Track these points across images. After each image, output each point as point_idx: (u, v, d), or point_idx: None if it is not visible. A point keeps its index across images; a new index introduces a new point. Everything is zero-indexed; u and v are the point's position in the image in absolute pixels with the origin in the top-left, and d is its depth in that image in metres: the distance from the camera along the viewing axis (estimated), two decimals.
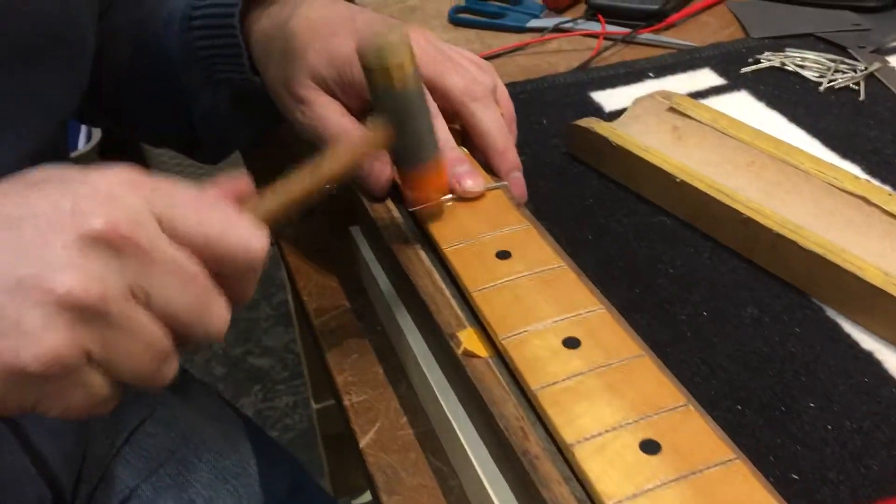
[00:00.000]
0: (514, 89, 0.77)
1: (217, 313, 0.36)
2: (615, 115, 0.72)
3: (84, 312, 0.32)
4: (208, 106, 0.65)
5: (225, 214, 0.36)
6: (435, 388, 0.46)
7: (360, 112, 0.55)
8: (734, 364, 0.50)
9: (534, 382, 0.40)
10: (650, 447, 0.36)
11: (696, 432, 0.37)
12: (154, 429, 0.68)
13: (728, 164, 0.62)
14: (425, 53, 0.55)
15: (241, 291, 0.37)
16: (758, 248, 0.56)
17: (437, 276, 0.48)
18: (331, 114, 0.54)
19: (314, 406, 1.47)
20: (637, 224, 0.61)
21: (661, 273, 0.57)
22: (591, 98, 0.76)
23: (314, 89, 0.55)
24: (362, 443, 0.48)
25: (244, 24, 0.60)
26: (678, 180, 0.60)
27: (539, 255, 0.47)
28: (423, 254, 0.49)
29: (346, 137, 0.46)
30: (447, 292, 0.47)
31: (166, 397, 0.71)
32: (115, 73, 0.67)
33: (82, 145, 1.87)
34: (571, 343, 0.42)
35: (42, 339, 0.31)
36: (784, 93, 0.74)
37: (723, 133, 0.63)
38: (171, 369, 0.35)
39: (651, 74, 0.78)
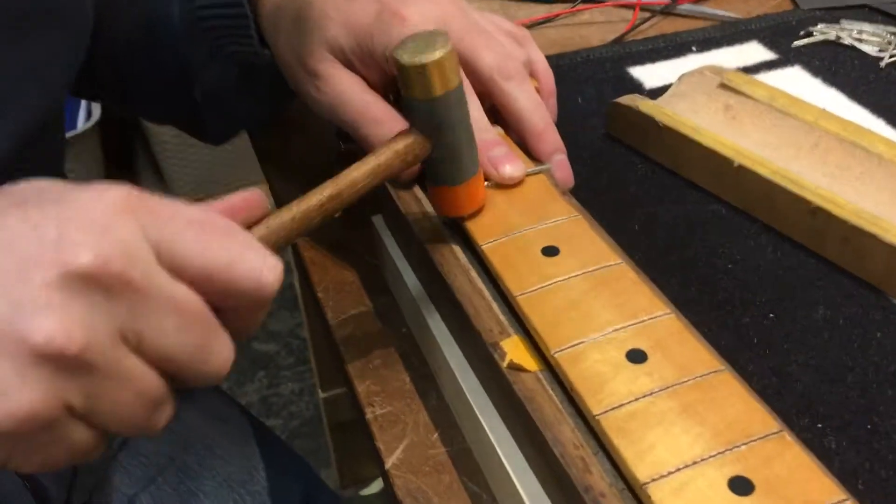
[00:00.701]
0: None
1: (219, 353, 0.32)
2: (657, 92, 0.66)
3: (66, 363, 0.28)
4: (213, 82, 0.59)
5: (233, 241, 0.32)
6: (472, 402, 0.40)
7: (384, 87, 0.49)
8: (809, 374, 0.44)
9: (595, 405, 0.34)
10: (741, 486, 0.31)
11: (794, 466, 0.31)
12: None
13: (789, 147, 0.56)
14: (455, 23, 0.49)
15: (246, 326, 0.33)
16: (828, 241, 0.50)
17: (474, 275, 0.42)
18: (351, 89, 0.48)
19: (321, 395, 1.42)
20: (688, 213, 0.55)
21: (718, 269, 0.51)
22: (629, 74, 0.69)
23: (331, 62, 0.49)
24: (388, 463, 0.43)
25: None
26: (735, 165, 0.54)
27: (592, 250, 0.41)
28: (457, 249, 0.43)
29: (374, 148, 0.40)
30: (487, 294, 0.41)
31: None
32: (113, 46, 0.61)
33: (82, 124, 1.81)
34: (637, 356, 0.36)
35: (15, 396, 0.27)
36: (842, 68, 0.68)
37: (782, 112, 0.57)
38: (166, 416, 0.32)
39: (694, 48, 0.72)
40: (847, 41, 0.71)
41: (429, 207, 0.46)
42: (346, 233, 0.56)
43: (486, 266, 0.42)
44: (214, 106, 0.61)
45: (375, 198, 0.51)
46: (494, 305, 0.40)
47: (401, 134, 0.41)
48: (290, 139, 0.66)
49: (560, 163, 0.49)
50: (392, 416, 0.44)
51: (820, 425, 0.42)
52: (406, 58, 0.39)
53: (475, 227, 0.43)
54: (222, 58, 0.57)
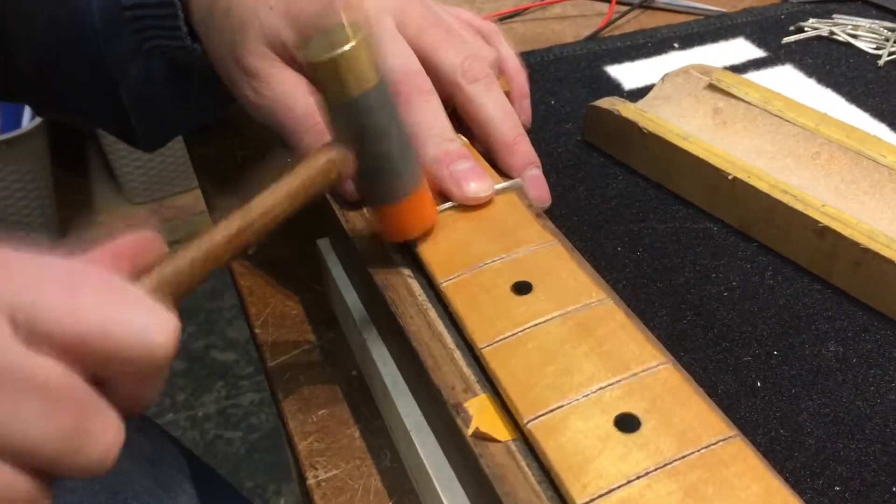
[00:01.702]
0: None
1: (99, 437, 0.26)
2: (637, 93, 0.59)
3: None
4: (139, 82, 0.52)
5: (110, 298, 0.26)
6: (432, 474, 0.34)
7: None
8: (821, 426, 0.38)
9: (579, 492, 0.27)
10: None
11: None
12: (73, 482, 0.55)
13: (787, 157, 0.49)
14: (413, 14, 0.43)
15: (139, 397, 0.28)
16: (837, 265, 0.44)
17: (433, 316, 0.35)
18: (293, 92, 0.42)
19: None
20: (677, 232, 0.49)
21: (713, 297, 0.44)
22: (606, 73, 0.63)
23: (270, 59, 0.42)
24: None
25: None
26: (730, 178, 0.48)
27: (570, 285, 0.35)
28: (413, 284, 0.37)
29: (289, 169, 0.34)
30: (448, 340, 0.34)
31: None
32: (28, 43, 0.54)
33: (26, 122, 1.71)
34: (628, 423, 0.29)
35: None
36: (837, 67, 0.62)
37: (778, 117, 0.51)
38: None
39: (676, 45, 0.66)
40: (841, 37, 0.65)
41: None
42: (289, 252, 0.49)
43: (447, 307, 0.35)
44: (143, 108, 0.54)
45: (320, 216, 0.45)
46: (457, 354, 0.33)
47: (322, 148, 0.34)
48: (228, 145, 0.59)
49: (534, 179, 0.43)
50: (338, 482, 0.38)
51: (838, 488, 0.36)
52: (311, 53, 0.32)
53: (433, 260, 0.37)
54: (148, 54, 0.50)
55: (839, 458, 0.37)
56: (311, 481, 0.38)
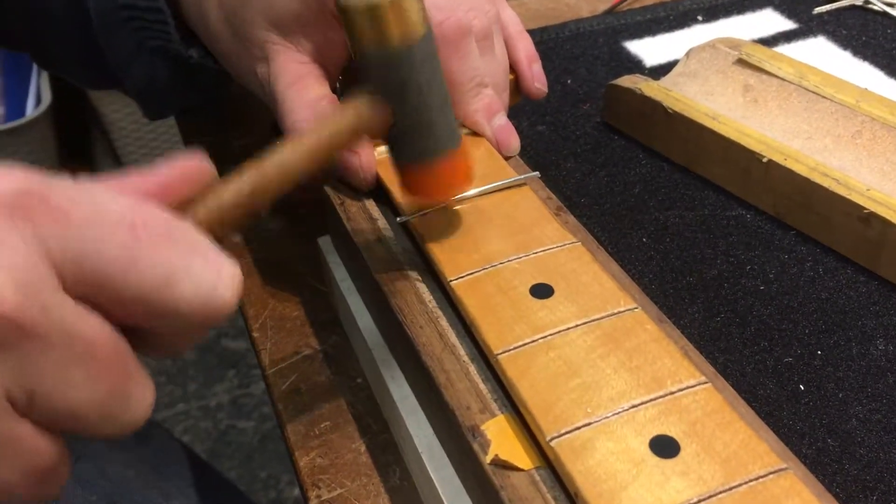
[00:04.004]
0: None
1: (139, 401, 0.24)
2: (659, 70, 0.56)
3: None
4: (143, 79, 0.49)
5: (175, 247, 0.23)
6: (445, 501, 0.30)
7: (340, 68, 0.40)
8: (873, 433, 0.35)
9: None
10: None
11: None
12: (72, 490, 0.53)
13: (826, 137, 0.46)
14: None
15: (176, 349, 0.26)
16: (885, 255, 0.41)
17: (445, 325, 0.32)
18: (297, 82, 0.39)
19: None
20: (707, 220, 0.45)
21: (748, 292, 0.41)
22: (626, 49, 0.59)
23: (273, 42, 0.40)
24: None
25: None
26: (764, 160, 0.44)
27: (595, 290, 0.31)
28: (422, 288, 0.33)
29: (320, 119, 0.30)
30: (462, 352, 0.31)
31: (87, 445, 0.56)
32: (21, 20, 0.51)
33: (31, 110, 1.68)
34: (665, 447, 0.26)
35: None
36: (874, 39, 0.58)
37: (815, 93, 0.47)
38: (59, 483, 0.24)
39: (700, 18, 0.62)
40: (877, 6, 0.61)
41: (386, 230, 0.36)
42: (289, 253, 0.46)
43: (458, 310, 0.32)
44: (148, 101, 0.52)
45: (320, 213, 0.41)
46: (472, 368, 0.30)
47: (350, 100, 0.30)
48: (225, 136, 0.56)
49: (501, 129, 0.40)
50: (343, 502, 0.35)
51: (894, 503, 0.32)
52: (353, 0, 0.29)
53: (442, 257, 0.33)
54: (151, 53, 0.47)
55: (895, 470, 0.33)
56: (313, 501, 0.35)
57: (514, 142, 0.40)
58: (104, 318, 0.23)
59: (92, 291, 0.22)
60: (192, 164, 0.26)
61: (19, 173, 0.22)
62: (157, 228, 0.23)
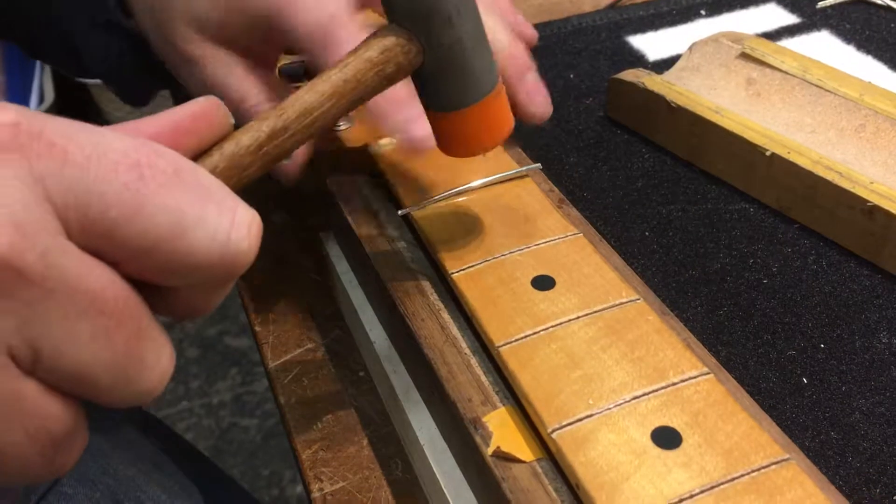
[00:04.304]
0: None
1: (153, 365, 0.22)
2: (662, 65, 0.56)
3: None
4: (100, 53, 0.48)
5: (185, 191, 0.21)
6: (448, 494, 0.30)
7: (271, 63, 0.39)
8: (877, 426, 0.35)
9: None
10: None
11: None
12: (73, 488, 0.52)
13: (829, 130, 0.45)
14: None
15: (197, 307, 0.23)
16: (888, 248, 0.40)
17: (447, 318, 0.32)
18: (226, 75, 0.38)
19: None
20: (710, 214, 0.45)
21: (751, 285, 0.41)
22: (629, 44, 0.59)
23: (200, 42, 0.38)
24: None
25: None
26: (768, 154, 0.44)
27: (597, 281, 0.31)
28: (424, 282, 0.33)
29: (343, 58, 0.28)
30: (464, 345, 0.31)
31: (93, 440, 0.55)
32: None
33: (34, 108, 1.68)
34: (667, 438, 0.26)
35: None
36: (877, 32, 0.58)
37: (818, 87, 0.47)
38: (74, 454, 0.22)
39: (703, 12, 0.62)
40: (881, 0, 0.61)
41: (387, 223, 0.36)
42: (292, 243, 0.46)
43: (460, 302, 0.32)
44: (113, 77, 0.51)
45: (322, 207, 0.41)
46: (474, 361, 0.30)
47: (374, 35, 0.28)
48: None
49: (537, 86, 0.38)
50: (345, 495, 0.35)
51: None
52: None
53: (444, 249, 0.33)
54: (104, 27, 0.47)
55: None
56: (315, 494, 0.35)
57: (541, 101, 0.38)
58: (115, 271, 0.21)
59: (98, 241, 0.21)
60: (205, 106, 0.24)
61: (11, 109, 0.20)
62: (166, 169, 0.21)
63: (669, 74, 0.51)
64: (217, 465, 0.63)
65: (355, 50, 0.27)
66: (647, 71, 0.50)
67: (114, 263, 0.21)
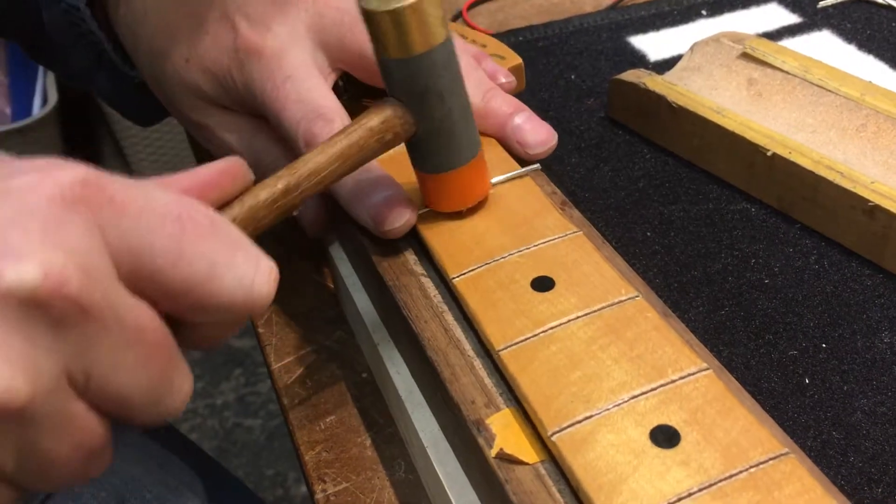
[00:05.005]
0: (531, 35, 0.60)
1: (179, 389, 0.25)
2: (664, 65, 0.56)
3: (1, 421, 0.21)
4: (108, 88, 0.49)
5: (218, 242, 0.24)
6: (451, 496, 0.30)
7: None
8: (878, 426, 0.35)
9: None
10: None
11: None
12: (79, 487, 0.53)
13: (830, 130, 0.46)
14: (326, 23, 0.40)
15: (214, 340, 0.27)
16: (889, 247, 0.40)
17: (450, 320, 0.32)
18: (236, 140, 0.41)
19: None
20: (711, 214, 0.45)
21: (753, 285, 0.41)
22: (630, 44, 0.59)
23: (205, 108, 0.41)
24: None
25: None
26: (769, 154, 0.44)
27: (597, 280, 0.31)
28: (427, 284, 0.33)
29: (350, 124, 0.32)
30: (468, 347, 0.31)
31: None
32: None
33: (37, 110, 1.69)
34: (666, 436, 0.26)
35: None
36: (879, 32, 0.58)
37: (819, 87, 0.47)
38: (103, 464, 0.25)
39: (704, 12, 0.62)
40: None
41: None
42: (295, 245, 0.46)
43: (462, 306, 0.32)
44: (119, 107, 0.52)
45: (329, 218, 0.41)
46: (478, 363, 0.30)
47: (375, 107, 0.31)
48: None
49: (523, 125, 0.39)
50: (349, 496, 0.35)
51: None
52: (374, 3, 0.29)
53: (444, 254, 0.33)
54: (107, 69, 0.48)
55: None
56: (319, 495, 0.35)
57: (534, 141, 0.39)
58: (153, 309, 0.24)
59: (143, 283, 0.23)
60: (230, 166, 0.28)
61: (79, 165, 0.23)
62: (202, 222, 0.24)
63: (671, 75, 0.51)
64: (222, 467, 0.64)
65: (359, 119, 0.31)
66: (648, 71, 0.51)
67: (153, 302, 0.24)
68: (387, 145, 0.32)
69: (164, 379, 0.24)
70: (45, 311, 0.21)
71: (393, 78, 0.31)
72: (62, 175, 0.22)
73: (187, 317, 0.25)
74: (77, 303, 0.21)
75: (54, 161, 0.23)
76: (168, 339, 0.24)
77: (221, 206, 0.28)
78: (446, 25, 0.31)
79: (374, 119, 0.31)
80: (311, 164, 0.30)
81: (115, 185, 0.23)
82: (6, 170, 0.23)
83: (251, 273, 0.25)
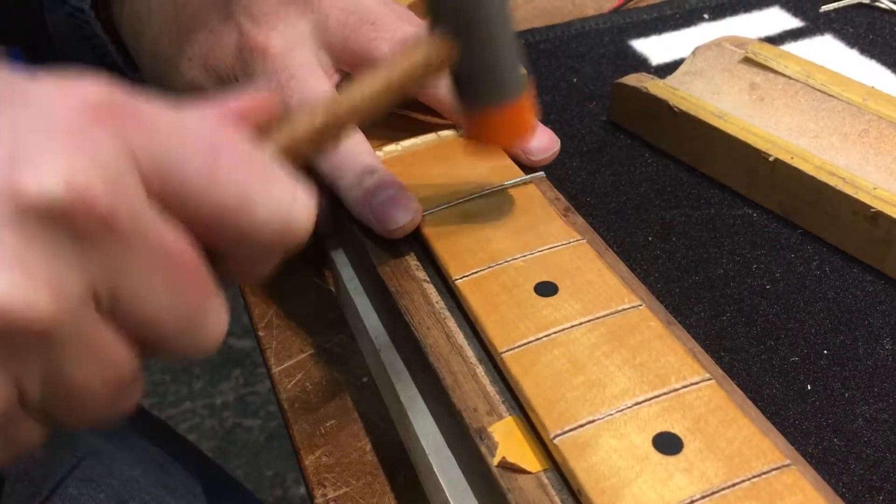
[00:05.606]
0: (533, 38, 0.60)
1: (214, 321, 0.24)
2: (666, 69, 0.56)
3: (25, 339, 0.20)
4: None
5: (253, 169, 0.24)
6: (453, 503, 0.30)
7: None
8: (880, 433, 0.35)
9: None
10: None
11: None
12: (78, 489, 0.53)
13: (833, 135, 0.45)
14: (330, 25, 0.40)
15: (249, 275, 0.26)
16: (891, 254, 0.40)
17: (452, 327, 0.32)
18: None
19: None
20: (713, 219, 0.45)
21: (754, 291, 0.41)
22: (632, 48, 0.59)
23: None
24: None
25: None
26: (771, 159, 0.44)
27: (600, 287, 0.31)
28: (430, 290, 0.33)
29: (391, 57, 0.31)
30: (470, 354, 0.31)
31: (97, 442, 0.56)
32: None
33: None
34: (668, 443, 0.26)
35: None
36: (881, 37, 0.58)
37: (822, 92, 0.47)
38: (133, 399, 0.24)
39: (707, 16, 0.62)
40: (884, 4, 0.61)
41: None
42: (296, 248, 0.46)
43: (464, 309, 0.32)
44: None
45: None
46: (480, 370, 0.30)
47: (419, 38, 0.31)
48: None
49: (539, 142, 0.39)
50: (349, 501, 0.35)
51: None
52: None
53: (447, 256, 0.33)
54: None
55: None
56: (319, 500, 0.35)
57: (539, 148, 0.39)
58: (183, 234, 0.23)
59: (173, 206, 0.23)
60: (262, 96, 0.27)
61: (105, 80, 0.22)
62: (237, 148, 0.24)
63: (672, 79, 0.51)
64: (221, 467, 0.64)
65: (401, 50, 0.30)
66: (650, 75, 0.51)
67: (183, 227, 0.23)
68: (429, 75, 0.30)
69: (196, 307, 0.23)
70: (68, 223, 0.20)
71: (437, 4, 0.30)
72: (88, 87, 0.22)
73: (221, 247, 0.24)
74: (102, 216, 0.20)
75: (79, 74, 0.22)
76: (200, 267, 0.24)
77: (257, 136, 0.26)
78: None
79: (419, 52, 0.30)
80: (353, 95, 0.28)
81: (145, 101, 0.22)
82: (24, 84, 0.22)
83: (287, 203, 0.24)
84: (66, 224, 0.20)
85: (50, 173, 0.20)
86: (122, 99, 0.22)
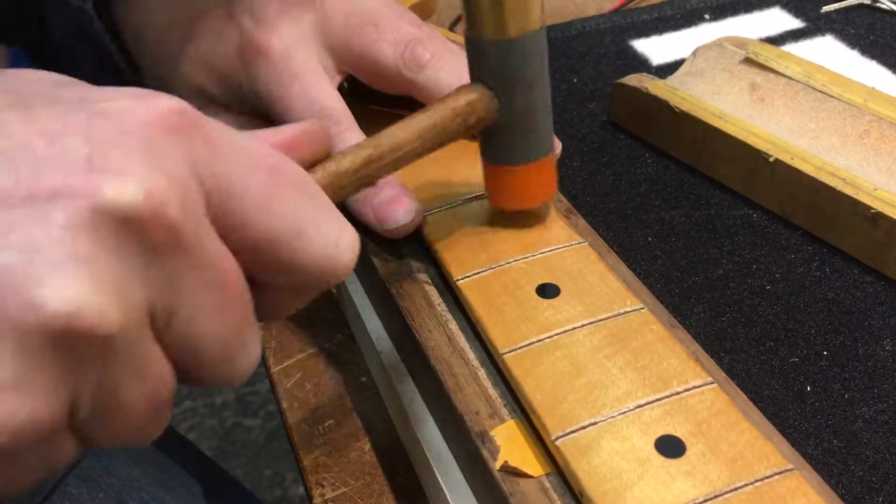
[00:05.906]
0: None
1: (251, 351, 0.24)
2: (666, 69, 0.56)
3: (87, 350, 0.20)
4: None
5: (308, 202, 0.24)
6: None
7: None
8: (880, 435, 0.35)
9: None
10: None
11: None
12: (77, 488, 0.53)
13: (833, 136, 0.45)
14: (333, 27, 0.39)
15: (283, 310, 0.26)
16: (892, 254, 0.40)
17: (454, 329, 0.32)
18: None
19: None
20: (713, 220, 0.45)
21: (754, 292, 0.41)
22: (633, 48, 0.59)
23: (209, 109, 0.41)
24: None
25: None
26: (771, 159, 0.44)
27: (602, 290, 0.31)
28: (432, 292, 0.33)
29: (435, 102, 0.31)
30: (472, 356, 0.31)
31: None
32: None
33: None
34: (671, 447, 0.26)
35: (11, 398, 0.19)
36: (882, 38, 0.58)
37: (822, 92, 0.47)
38: (165, 423, 0.24)
39: (707, 16, 0.62)
40: (885, 5, 0.61)
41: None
42: None
43: (465, 310, 0.32)
44: None
45: None
46: (482, 373, 0.30)
47: (461, 88, 0.31)
48: None
49: None
50: (347, 501, 0.35)
51: None
52: None
53: (449, 256, 0.33)
54: (111, 73, 0.48)
55: None
56: (317, 500, 0.35)
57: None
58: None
59: (228, 227, 0.23)
60: (313, 127, 0.27)
61: (173, 97, 0.22)
62: (294, 178, 0.24)
63: (673, 79, 0.51)
64: (221, 467, 0.63)
65: (443, 99, 0.31)
66: (650, 76, 0.50)
67: (234, 253, 0.23)
68: (469, 128, 0.31)
69: (239, 334, 0.23)
70: (142, 234, 0.20)
71: (483, 60, 0.31)
72: (159, 103, 0.22)
73: (265, 276, 0.24)
74: (173, 230, 0.20)
75: (147, 90, 0.22)
76: (246, 292, 0.23)
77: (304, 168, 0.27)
78: (542, 12, 0.30)
79: (460, 100, 0.31)
80: (394, 137, 0.29)
81: (211, 123, 0.23)
82: (96, 94, 0.22)
83: (335, 238, 0.24)
84: (137, 234, 0.20)
85: (130, 181, 0.20)
86: (191, 117, 0.22)
